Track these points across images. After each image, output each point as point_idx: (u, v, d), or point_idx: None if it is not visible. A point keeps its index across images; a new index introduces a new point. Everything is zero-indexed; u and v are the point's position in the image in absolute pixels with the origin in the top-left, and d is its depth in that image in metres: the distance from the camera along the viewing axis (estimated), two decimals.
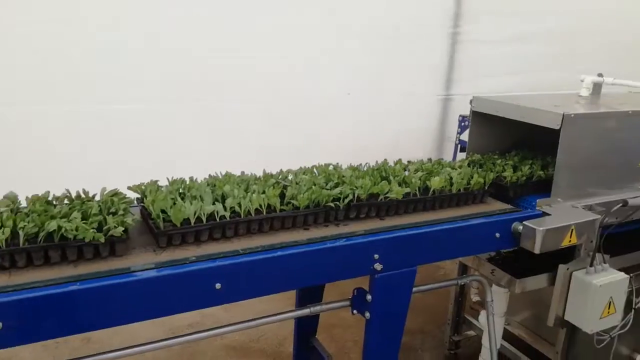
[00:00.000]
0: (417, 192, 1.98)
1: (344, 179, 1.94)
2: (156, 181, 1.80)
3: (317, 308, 1.84)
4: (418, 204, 1.98)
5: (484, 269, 2.24)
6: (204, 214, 1.58)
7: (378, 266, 1.71)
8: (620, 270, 2.28)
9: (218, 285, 1.46)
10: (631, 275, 2.46)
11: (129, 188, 1.77)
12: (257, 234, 1.67)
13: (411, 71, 4.43)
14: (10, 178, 2.11)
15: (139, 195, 1.77)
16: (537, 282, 2.14)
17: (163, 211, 1.57)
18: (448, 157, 4.67)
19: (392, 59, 4.24)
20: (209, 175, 1.86)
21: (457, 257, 2.03)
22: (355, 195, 1.83)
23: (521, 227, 1.93)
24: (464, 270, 2.60)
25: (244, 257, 1.50)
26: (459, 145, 4.35)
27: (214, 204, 1.63)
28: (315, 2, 3.77)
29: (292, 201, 1.75)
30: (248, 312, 1.91)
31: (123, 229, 1.47)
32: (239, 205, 1.63)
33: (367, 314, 1.78)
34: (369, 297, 1.76)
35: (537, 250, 1.90)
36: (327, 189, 1.83)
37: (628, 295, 2.18)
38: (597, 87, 2.57)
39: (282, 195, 1.77)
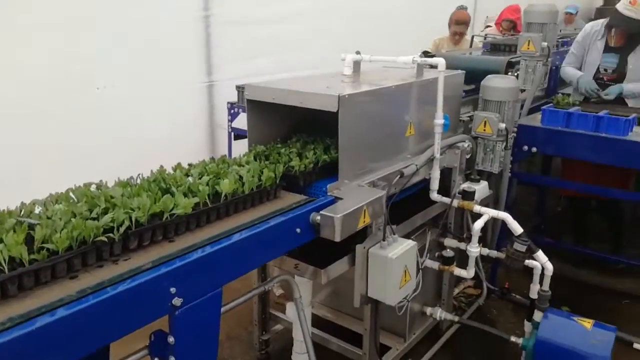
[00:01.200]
0: (208, 201, 1.71)
1: (114, 201, 1.55)
2: None
3: None
4: (211, 214, 1.72)
5: (286, 264, 2.12)
6: None
7: (177, 301, 1.41)
8: (404, 236, 2.44)
9: None
10: (412, 237, 2.66)
11: None
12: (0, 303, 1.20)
13: (168, 60, 4.03)
14: None
15: None
16: (340, 267, 2.12)
17: None
18: (223, 146, 4.47)
19: (145, 48, 3.78)
20: None
21: (263, 263, 1.86)
22: (134, 220, 1.48)
23: (319, 217, 1.85)
24: (263, 268, 2.46)
25: None
26: (233, 134, 4.17)
27: None
28: None
29: (45, 245, 1.31)
30: None
31: None
32: None
33: (172, 359, 1.47)
34: (171, 339, 1.46)
35: (337, 238, 1.84)
36: (94, 219, 1.44)
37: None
38: (357, 65, 2.65)
39: (29, 240, 1.32)
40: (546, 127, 2.97)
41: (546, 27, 2.97)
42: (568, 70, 3.62)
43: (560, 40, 4.08)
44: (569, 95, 3.34)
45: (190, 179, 1.81)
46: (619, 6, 3.27)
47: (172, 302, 1.40)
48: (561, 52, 4.00)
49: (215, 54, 4.49)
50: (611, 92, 3.30)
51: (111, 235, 1.42)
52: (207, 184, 1.75)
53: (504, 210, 3.08)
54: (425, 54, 4.10)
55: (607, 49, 3.42)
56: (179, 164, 1.94)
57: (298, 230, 1.81)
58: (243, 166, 1.95)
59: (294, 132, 2.52)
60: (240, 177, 1.85)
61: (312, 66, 3.84)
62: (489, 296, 3.24)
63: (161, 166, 1.90)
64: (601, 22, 3.50)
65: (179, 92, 4.18)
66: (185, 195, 1.68)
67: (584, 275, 3.71)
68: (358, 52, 2.64)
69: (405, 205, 2.56)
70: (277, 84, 2.28)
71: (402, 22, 5.83)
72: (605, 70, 3.42)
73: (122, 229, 1.44)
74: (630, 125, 2.75)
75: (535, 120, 3.09)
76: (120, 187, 1.68)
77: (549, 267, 2.42)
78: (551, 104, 3.15)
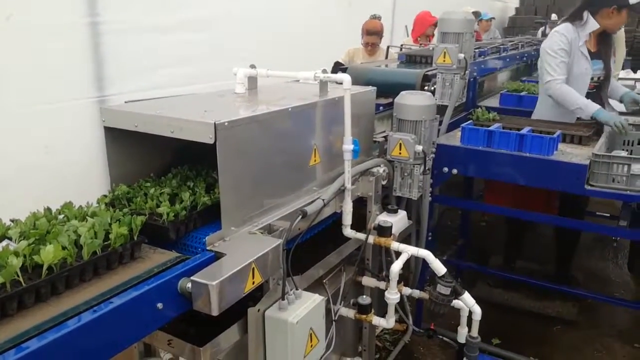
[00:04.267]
0: (21, 279, 1.22)
1: None
2: None
3: None
4: (26, 298, 1.23)
5: (159, 341, 1.66)
6: None
7: None
8: (316, 280, 2.07)
9: None
10: (325, 281, 2.29)
11: None
12: None
13: (46, 73, 3.42)
14: None
15: None
16: (229, 337, 1.69)
17: None
18: None
19: (17, 60, 3.17)
20: None
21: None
22: None
23: (190, 285, 1.41)
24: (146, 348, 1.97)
25: None
26: None
27: None
28: None
29: None
30: None
31: None
32: None
33: None
34: None
35: (215, 312, 1.41)
36: None
37: (325, 305, 1.95)
38: (252, 81, 2.25)
39: None
40: (466, 147, 2.70)
41: (462, 37, 2.71)
42: (570, 94, 3.01)
43: (477, 50, 3.89)
44: (488, 110, 3.10)
45: (2, 244, 1.31)
46: None
47: None
48: (478, 62, 3.81)
49: (109, 65, 3.90)
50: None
51: None
52: (24, 254, 1.26)
53: (427, 235, 2.81)
54: (338, 65, 3.78)
55: (591, 56, 3.17)
56: None
57: (159, 305, 1.36)
58: (87, 220, 1.47)
59: (175, 164, 2.06)
60: (77, 238, 1.37)
61: (226, 77, 3.42)
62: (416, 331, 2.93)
63: None
64: (573, 27, 3.13)
65: (61, 110, 3.56)
66: None
67: (512, 299, 3.51)
68: (253, 66, 2.23)
69: (317, 242, 2.18)
70: (143, 106, 1.82)
71: (318, 31, 5.52)
72: (595, 78, 3.20)
73: None
74: (554, 144, 2.53)
75: (455, 138, 2.82)
76: None
77: (477, 311, 2.12)
78: (470, 121, 2.90)
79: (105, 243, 1.41)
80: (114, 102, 3.89)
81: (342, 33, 5.48)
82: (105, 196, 1.74)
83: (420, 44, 4.98)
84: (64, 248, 1.31)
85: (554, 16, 8.83)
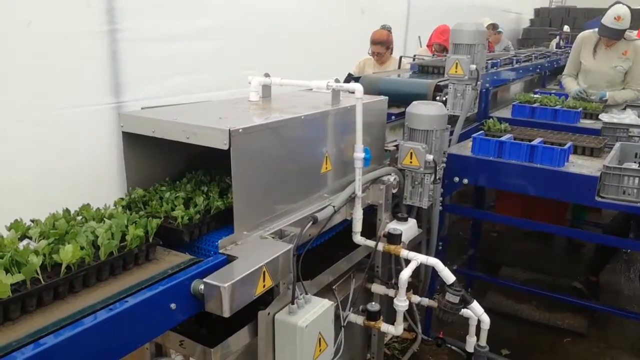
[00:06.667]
0: (40, 277, 1.27)
1: None
2: None
3: None
4: (45, 296, 1.27)
5: (170, 341, 1.70)
6: None
7: None
8: (326, 286, 2.08)
9: None
10: (334, 287, 2.31)
11: None
12: None
13: (65, 79, 3.50)
14: None
15: None
16: (239, 340, 1.71)
17: None
18: None
19: (36, 66, 3.25)
20: None
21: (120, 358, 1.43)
22: None
23: (202, 287, 1.45)
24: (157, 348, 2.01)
25: None
26: None
27: None
28: None
29: None
30: None
31: None
32: None
33: None
34: None
35: (226, 313, 1.44)
36: None
37: (335, 311, 1.97)
38: (266, 89, 2.29)
39: None
40: (477, 157, 2.72)
41: (474, 48, 2.74)
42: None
43: (490, 61, 3.91)
44: (500, 121, 3.12)
45: (23, 243, 1.36)
46: None
47: None
48: (491, 73, 3.83)
49: (125, 72, 3.99)
50: None
51: None
52: (43, 253, 1.30)
53: (437, 245, 2.82)
54: (350, 76, 3.83)
55: None
56: (15, 222, 1.48)
57: (173, 306, 1.40)
58: (104, 222, 1.51)
59: (189, 169, 2.11)
60: (95, 238, 1.41)
61: (238, 85, 3.48)
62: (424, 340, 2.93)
63: None
64: None
65: (75, 116, 3.64)
66: (7, 270, 1.23)
67: (523, 310, 3.49)
68: (267, 75, 2.28)
69: (327, 247, 2.21)
70: (160, 112, 1.87)
71: (331, 39, 5.56)
72: None
73: None
74: (565, 155, 2.54)
75: (466, 149, 2.84)
76: None
77: (486, 320, 2.12)
78: (482, 131, 2.92)
79: (122, 244, 1.45)
80: (129, 108, 3.98)
81: (355, 41, 5.54)
82: (122, 199, 1.78)
83: (434, 55, 5.02)
84: (82, 248, 1.35)
85: (566, 28, 8.82)
